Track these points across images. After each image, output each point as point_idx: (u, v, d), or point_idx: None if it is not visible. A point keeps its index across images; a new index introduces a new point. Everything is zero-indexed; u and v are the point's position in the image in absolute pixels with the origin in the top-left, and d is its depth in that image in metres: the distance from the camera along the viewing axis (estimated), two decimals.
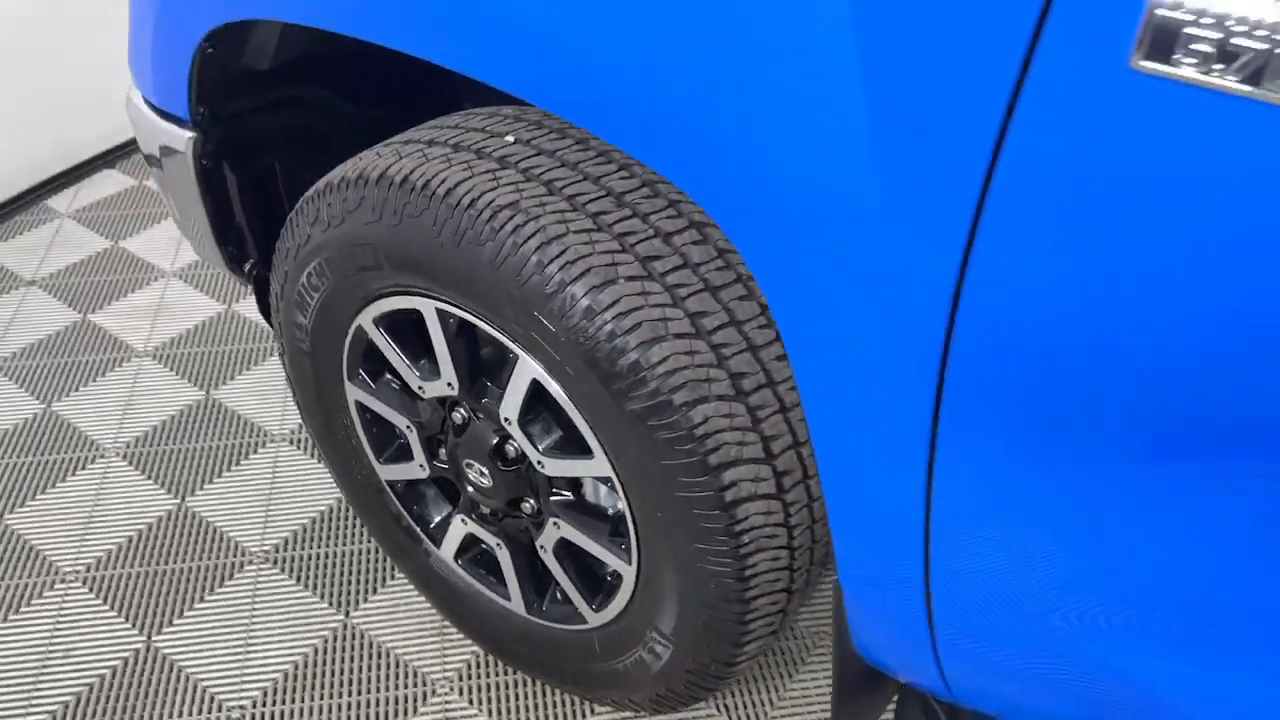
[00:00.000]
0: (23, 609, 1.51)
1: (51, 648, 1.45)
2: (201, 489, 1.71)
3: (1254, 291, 0.56)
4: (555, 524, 1.20)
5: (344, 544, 1.62)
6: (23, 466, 1.75)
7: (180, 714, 1.38)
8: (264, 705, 1.39)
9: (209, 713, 1.38)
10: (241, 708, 1.39)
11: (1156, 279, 0.58)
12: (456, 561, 1.39)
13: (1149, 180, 0.56)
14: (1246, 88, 0.52)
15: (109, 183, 2.56)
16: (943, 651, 0.87)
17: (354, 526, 1.64)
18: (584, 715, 1.40)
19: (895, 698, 1.17)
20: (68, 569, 1.57)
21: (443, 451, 1.28)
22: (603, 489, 1.21)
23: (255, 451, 1.78)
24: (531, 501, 1.23)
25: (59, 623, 1.49)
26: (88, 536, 1.62)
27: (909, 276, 0.67)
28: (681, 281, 0.98)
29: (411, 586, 1.53)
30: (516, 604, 1.34)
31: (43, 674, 1.42)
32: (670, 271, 0.98)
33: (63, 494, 1.70)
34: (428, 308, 1.13)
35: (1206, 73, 0.53)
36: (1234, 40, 0.51)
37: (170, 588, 1.54)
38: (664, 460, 0.98)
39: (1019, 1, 0.57)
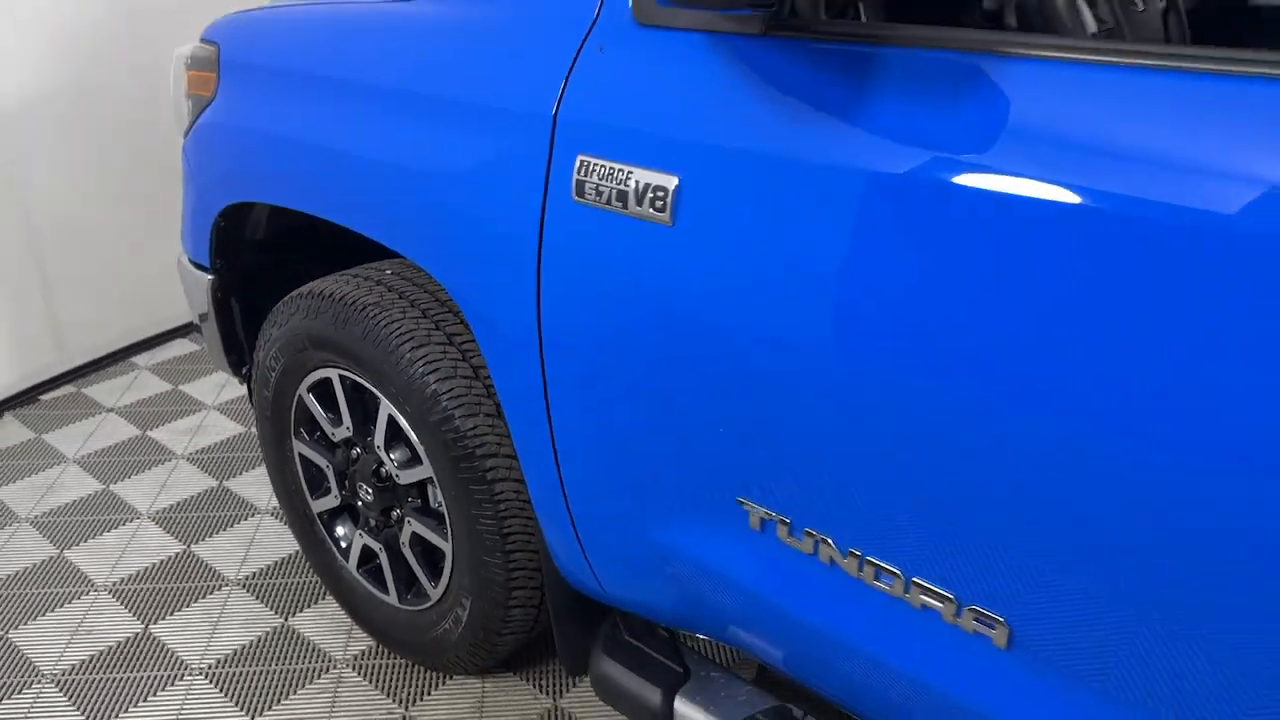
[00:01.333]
0: None
1: None
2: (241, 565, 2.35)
3: (635, 309, 1.21)
4: (409, 522, 1.81)
5: (298, 576, 2.23)
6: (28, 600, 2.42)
7: (159, 669, 1.96)
8: (219, 668, 1.97)
9: (180, 667, 1.97)
10: (202, 669, 1.97)
11: (606, 312, 1.24)
12: (359, 571, 1.99)
13: (586, 258, 1.23)
14: (611, 206, 1.19)
15: (179, 347, 3.38)
16: (586, 546, 1.45)
17: (305, 565, 2.25)
18: (438, 680, 1.94)
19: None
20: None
21: (347, 483, 1.92)
22: (439, 495, 1.83)
23: (250, 516, 2.43)
24: (397, 511, 1.85)
25: None
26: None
27: (519, 311, 1.34)
28: (471, 348, 1.64)
29: (335, 604, 2.12)
30: (393, 597, 1.92)
31: None
32: (465, 343, 1.65)
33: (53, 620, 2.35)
34: (333, 374, 1.80)
35: (595, 201, 1.20)
36: (600, 187, 1.19)
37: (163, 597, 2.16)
38: (451, 453, 1.61)
39: (536, 176, 1.27)
